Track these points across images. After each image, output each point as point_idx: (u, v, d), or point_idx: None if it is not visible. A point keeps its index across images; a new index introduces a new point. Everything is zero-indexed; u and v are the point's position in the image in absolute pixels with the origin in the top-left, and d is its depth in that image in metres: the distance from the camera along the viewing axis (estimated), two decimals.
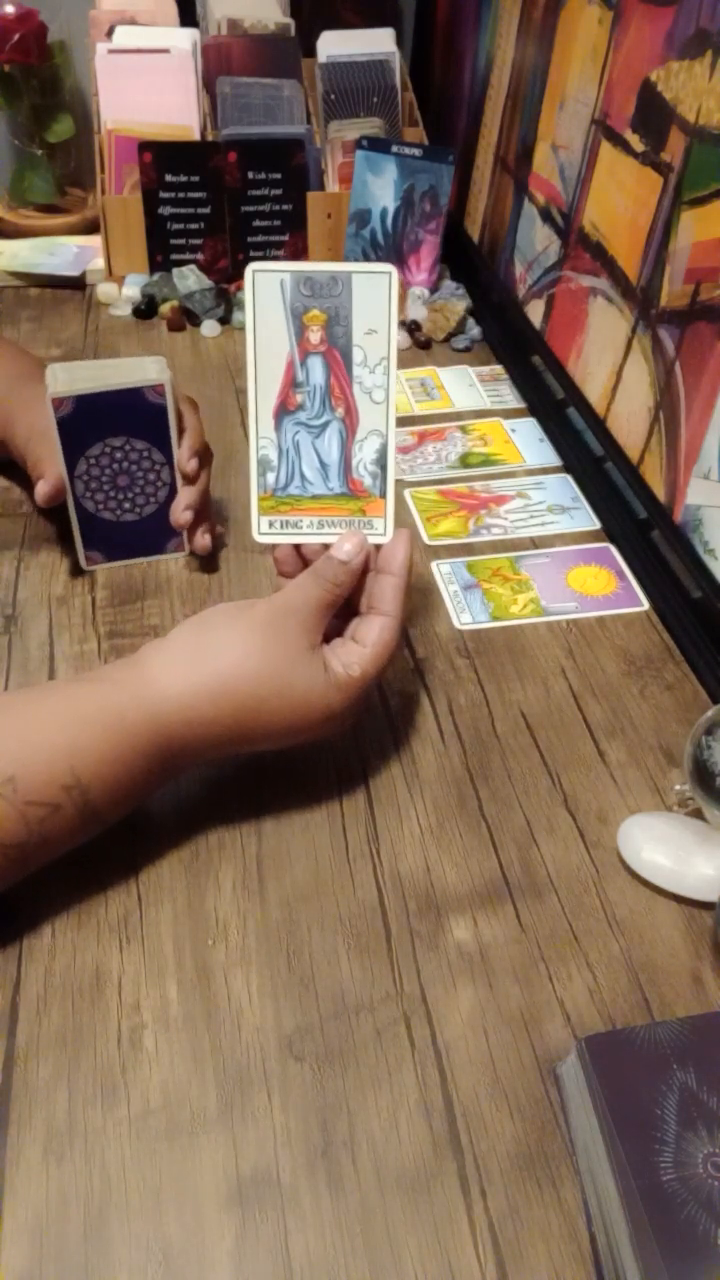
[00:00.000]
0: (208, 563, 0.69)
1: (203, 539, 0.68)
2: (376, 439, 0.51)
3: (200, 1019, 0.43)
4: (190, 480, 0.66)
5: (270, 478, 0.51)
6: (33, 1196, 0.38)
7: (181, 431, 0.65)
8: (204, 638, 0.48)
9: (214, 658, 0.47)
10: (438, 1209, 0.38)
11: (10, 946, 0.45)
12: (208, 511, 0.69)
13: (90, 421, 0.62)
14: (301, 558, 0.54)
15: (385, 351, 0.50)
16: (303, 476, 0.52)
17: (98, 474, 0.64)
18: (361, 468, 0.51)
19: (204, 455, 0.67)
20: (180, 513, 0.66)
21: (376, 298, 0.49)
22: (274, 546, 0.54)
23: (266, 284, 0.49)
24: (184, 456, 0.65)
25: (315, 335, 0.49)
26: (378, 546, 0.51)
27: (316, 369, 0.50)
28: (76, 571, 0.68)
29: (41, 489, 0.63)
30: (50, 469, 0.64)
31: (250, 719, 0.47)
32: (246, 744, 0.49)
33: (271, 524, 0.52)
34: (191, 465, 0.65)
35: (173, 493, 0.67)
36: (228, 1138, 0.39)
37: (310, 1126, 0.40)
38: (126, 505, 0.66)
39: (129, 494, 0.66)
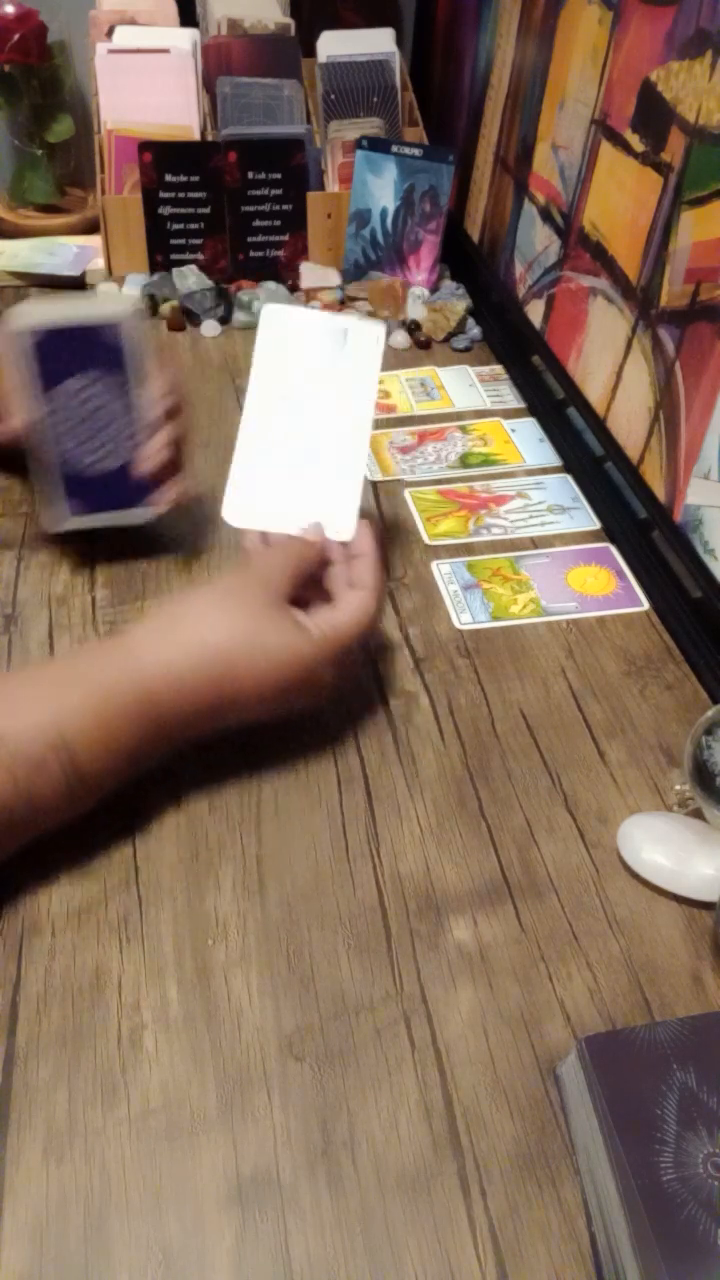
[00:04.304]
0: (207, 563, 0.69)
1: (167, 494, 0.64)
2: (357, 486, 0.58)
3: (200, 1019, 0.43)
4: (156, 428, 0.63)
5: (238, 476, 0.59)
6: (33, 1196, 0.38)
7: (153, 377, 0.62)
8: (178, 609, 0.51)
9: (189, 624, 0.50)
10: (438, 1209, 0.38)
11: (10, 946, 0.45)
12: (177, 465, 0.65)
13: (54, 359, 0.60)
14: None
15: (371, 396, 0.59)
16: (269, 500, 0.58)
17: (63, 416, 0.61)
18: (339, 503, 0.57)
19: (175, 406, 0.64)
20: (143, 462, 0.63)
21: (368, 352, 0.59)
22: (243, 535, 0.58)
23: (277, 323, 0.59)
24: (149, 401, 0.62)
25: None
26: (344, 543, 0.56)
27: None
28: (75, 568, 0.67)
29: (2, 429, 0.61)
30: (15, 408, 0.61)
31: (229, 676, 0.49)
32: (232, 707, 0.50)
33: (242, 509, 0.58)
34: (158, 410, 0.62)
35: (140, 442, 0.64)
36: (228, 1138, 0.39)
37: (310, 1126, 0.40)
38: (101, 452, 0.63)
39: (94, 442, 0.63)
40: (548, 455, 0.82)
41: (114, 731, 0.46)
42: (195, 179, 1.00)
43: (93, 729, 0.45)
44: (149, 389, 0.62)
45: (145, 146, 0.98)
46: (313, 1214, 0.37)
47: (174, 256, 1.03)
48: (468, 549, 0.71)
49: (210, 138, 1.04)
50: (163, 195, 1.00)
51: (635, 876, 0.49)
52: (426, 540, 0.72)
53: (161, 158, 0.98)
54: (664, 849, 0.49)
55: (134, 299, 0.61)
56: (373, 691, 0.59)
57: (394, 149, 0.99)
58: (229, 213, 1.02)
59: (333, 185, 1.05)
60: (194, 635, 0.49)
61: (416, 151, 0.99)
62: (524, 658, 0.62)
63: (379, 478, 0.79)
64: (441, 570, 0.69)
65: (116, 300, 0.61)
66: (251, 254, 1.04)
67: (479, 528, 0.74)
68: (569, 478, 0.79)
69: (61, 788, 0.45)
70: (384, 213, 1.02)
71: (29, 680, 0.48)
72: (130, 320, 0.60)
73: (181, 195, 1.00)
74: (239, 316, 1.00)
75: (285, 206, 1.02)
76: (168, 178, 0.99)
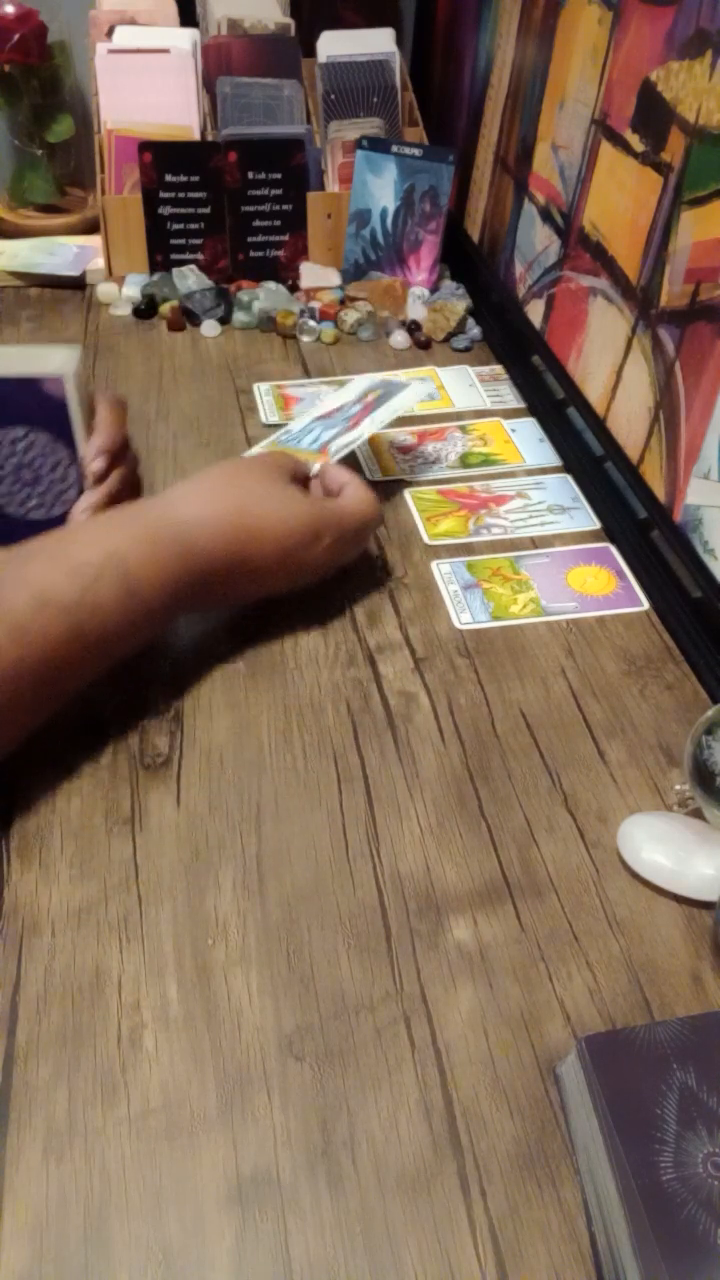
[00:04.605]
0: None
1: None
2: (351, 445, 0.72)
3: (200, 1019, 0.43)
4: (97, 481, 0.62)
5: (281, 434, 0.77)
6: (33, 1196, 0.38)
7: (94, 429, 0.62)
8: (204, 474, 0.61)
9: (213, 484, 0.59)
10: (438, 1209, 0.38)
11: (10, 946, 0.45)
12: None
13: None
14: None
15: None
16: (297, 440, 0.75)
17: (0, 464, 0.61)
18: (333, 447, 0.71)
19: (117, 455, 0.63)
20: (78, 512, 0.62)
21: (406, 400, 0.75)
22: None
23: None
24: (90, 454, 0.61)
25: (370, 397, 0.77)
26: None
27: (355, 408, 0.76)
28: None
29: None
30: None
31: (249, 525, 0.57)
32: (252, 553, 0.57)
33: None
34: (97, 465, 0.61)
35: (82, 494, 0.63)
36: (228, 1138, 0.39)
37: (310, 1126, 0.40)
38: (33, 502, 0.63)
39: (35, 490, 0.62)
40: (548, 455, 0.82)
41: (160, 560, 0.53)
42: (195, 179, 1.00)
43: (142, 553, 0.52)
44: (91, 443, 0.62)
45: (145, 146, 0.98)
46: (313, 1214, 0.37)
47: (174, 256, 1.03)
48: (468, 549, 0.71)
49: (210, 138, 1.04)
50: (163, 195, 1.00)
51: (635, 876, 0.49)
52: (426, 540, 0.72)
53: (161, 158, 0.99)
54: (664, 849, 0.49)
55: (72, 352, 0.60)
56: (373, 691, 0.59)
57: (394, 149, 0.99)
58: (229, 213, 1.02)
59: (333, 185, 1.05)
60: (219, 491, 0.58)
61: (416, 151, 0.99)
62: (524, 658, 0.62)
63: (379, 478, 0.79)
64: (441, 570, 0.69)
65: (53, 354, 0.60)
66: (251, 254, 1.04)
67: (479, 528, 0.74)
68: (569, 478, 0.79)
69: (121, 598, 0.51)
70: (384, 213, 1.02)
71: (88, 523, 0.58)
72: (59, 376, 0.59)
73: (181, 195, 1.00)
74: (239, 316, 1.00)
75: (285, 206, 1.02)
76: (168, 178, 0.99)
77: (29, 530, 0.61)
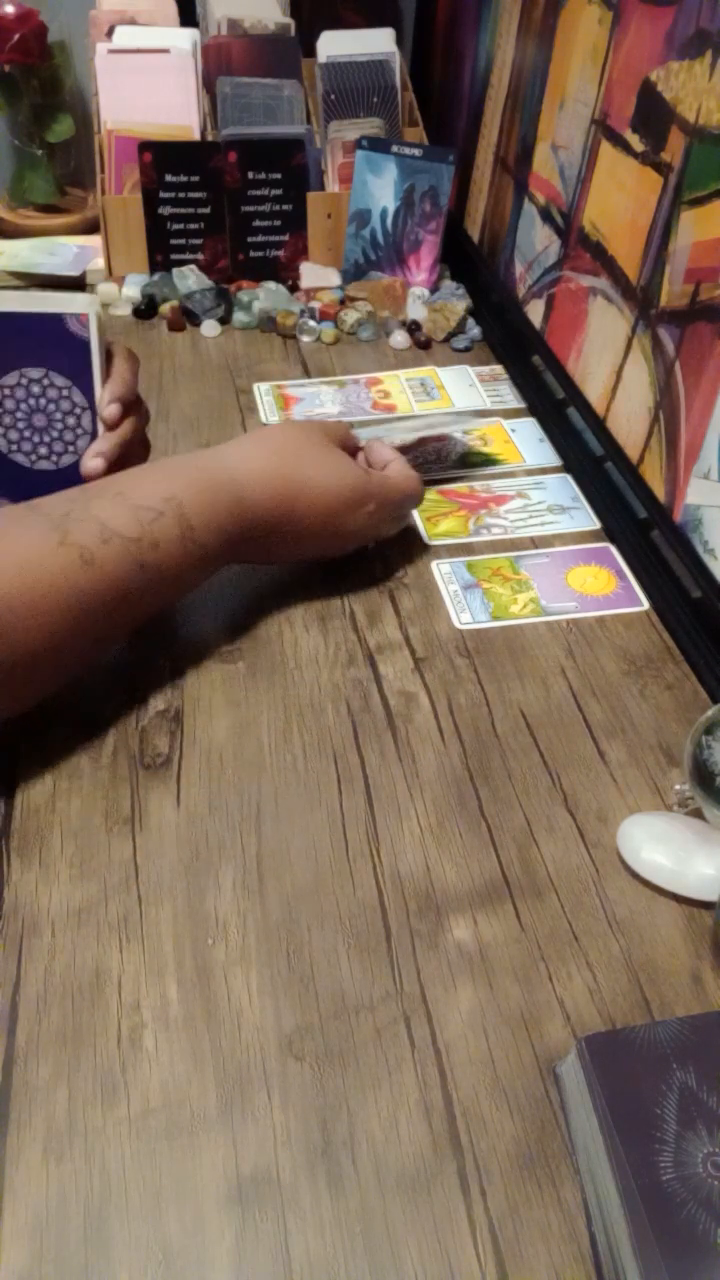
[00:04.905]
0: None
1: None
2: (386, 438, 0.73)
3: (200, 1019, 0.43)
4: (110, 427, 0.62)
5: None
6: (32, 1196, 0.38)
7: (109, 377, 0.62)
8: (259, 432, 0.64)
9: (267, 440, 0.62)
10: (438, 1209, 0.38)
11: (10, 946, 0.45)
12: (121, 468, 0.63)
13: (5, 346, 0.59)
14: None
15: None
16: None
17: (12, 408, 0.60)
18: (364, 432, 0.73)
19: (131, 406, 0.64)
20: (89, 459, 0.61)
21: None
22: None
23: None
24: (105, 399, 0.61)
25: None
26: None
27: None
28: None
29: None
30: None
31: (298, 475, 0.60)
32: (301, 502, 0.60)
33: None
34: (112, 410, 0.62)
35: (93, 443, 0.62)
36: (228, 1137, 0.39)
37: (310, 1126, 0.40)
38: (43, 450, 0.62)
39: (45, 437, 0.62)
40: (548, 455, 0.82)
41: (215, 506, 0.56)
42: (195, 179, 1.00)
43: (199, 499, 0.55)
44: (106, 389, 0.61)
45: (145, 146, 0.98)
46: (313, 1214, 0.37)
47: (174, 256, 1.03)
48: (468, 549, 0.71)
49: (210, 138, 1.04)
50: (163, 195, 1.00)
51: (635, 876, 0.49)
52: (426, 540, 0.72)
53: (161, 158, 0.99)
54: (664, 849, 0.49)
55: (94, 298, 0.60)
56: (373, 691, 0.59)
57: (394, 149, 0.99)
58: (229, 213, 1.02)
59: (333, 185, 1.05)
60: (272, 449, 0.61)
61: (416, 151, 0.99)
62: (524, 657, 0.62)
63: None
64: (441, 570, 0.69)
65: (77, 297, 0.60)
66: (251, 254, 1.04)
67: (479, 528, 0.74)
68: (569, 478, 0.79)
69: (178, 538, 0.54)
70: (384, 213, 1.02)
71: (146, 468, 0.60)
72: (85, 313, 0.59)
73: (181, 195, 1.00)
74: (239, 316, 1.00)
75: (285, 206, 1.02)
76: (168, 178, 0.99)
77: (33, 481, 0.62)
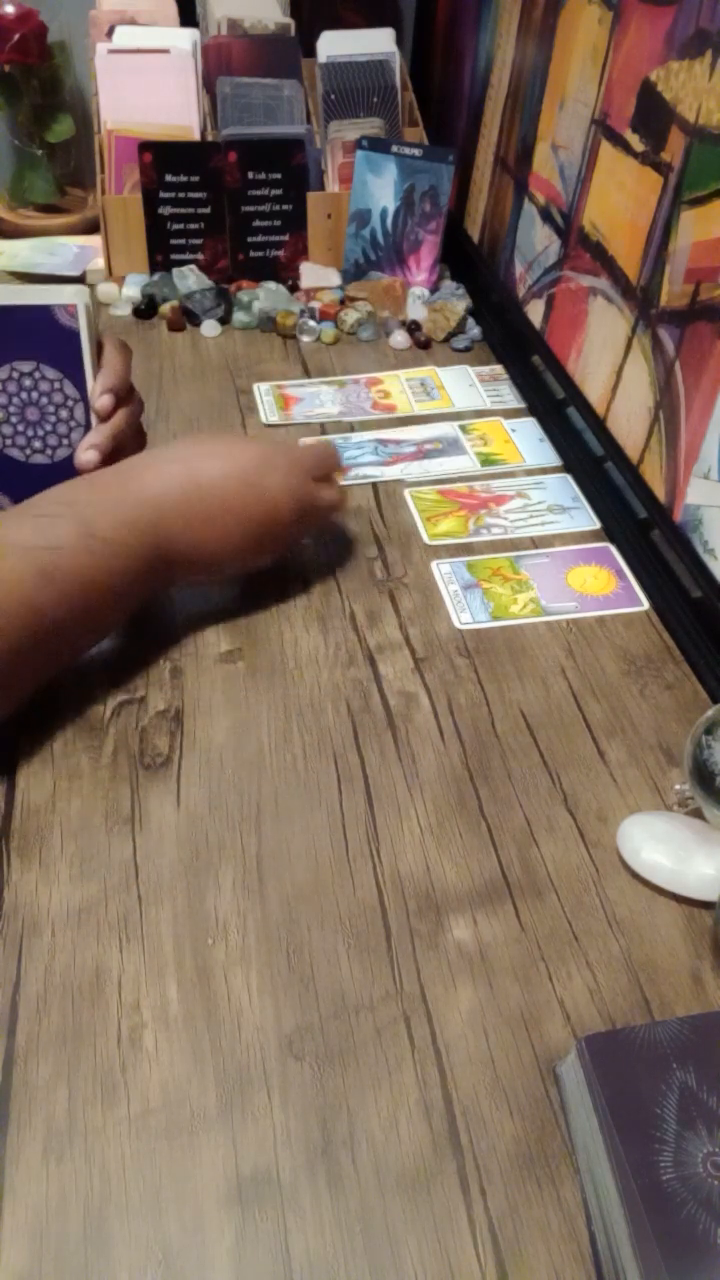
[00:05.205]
0: None
1: None
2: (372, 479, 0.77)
3: (200, 1018, 0.43)
4: (103, 419, 0.62)
5: (336, 437, 0.82)
6: (32, 1196, 0.38)
7: (100, 368, 0.61)
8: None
9: (164, 447, 0.62)
10: (438, 1208, 0.38)
11: (10, 946, 0.45)
12: (114, 460, 0.62)
13: None
14: None
15: None
16: (341, 448, 0.79)
17: (4, 402, 0.60)
18: (354, 471, 0.76)
19: (123, 397, 0.63)
20: (83, 451, 0.61)
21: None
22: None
23: None
24: (97, 390, 0.61)
25: None
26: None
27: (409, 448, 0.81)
28: None
29: None
30: None
31: (193, 453, 0.60)
32: (203, 471, 0.59)
33: None
34: (104, 401, 0.61)
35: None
36: (228, 1137, 0.39)
37: (310, 1126, 0.40)
38: (37, 444, 0.62)
39: (39, 430, 0.61)
40: (548, 455, 0.82)
41: (115, 497, 0.56)
42: (195, 179, 1.00)
43: (97, 494, 0.56)
44: (98, 380, 0.61)
45: (145, 146, 0.98)
46: (312, 1213, 0.37)
47: (174, 256, 1.03)
48: (468, 549, 0.71)
49: (210, 138, 1.04)
50: (163, 195, 1.00)
51: (635, 876, 0.49)
52: (426, 540, 0.72)
53: (161, 158, 0.99)
54: (664, 849, 0.49)
55: (83, 289, 0.60)
56: (373, 691, 0.59)
57: (394, 149, 0.99)
58: (229, 213, 1.02)
59: (333, 185, 1.05)
60: (169, 448, 0.61)
61: (416, 151, 0.99)
62: (524, 657, 0.62)
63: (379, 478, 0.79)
64: (441, 570, 0.69)
65: (66, 288, 0.60)
66: (251, 254, 1.04)
67: (479, 528, 0.74)
68: (569, 478, 0.79)
69: (78, 535, 0.53)
70: (384, 213, 1.02)
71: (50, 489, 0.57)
72: (74, 304, 0.59)
73: (181, 195, 1.00)
74: (239, 316, 1.00)
75: (285, 206, 1.02)
76: (168, 178, 0.99)
77: (29, 476, 0.62)
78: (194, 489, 0.58)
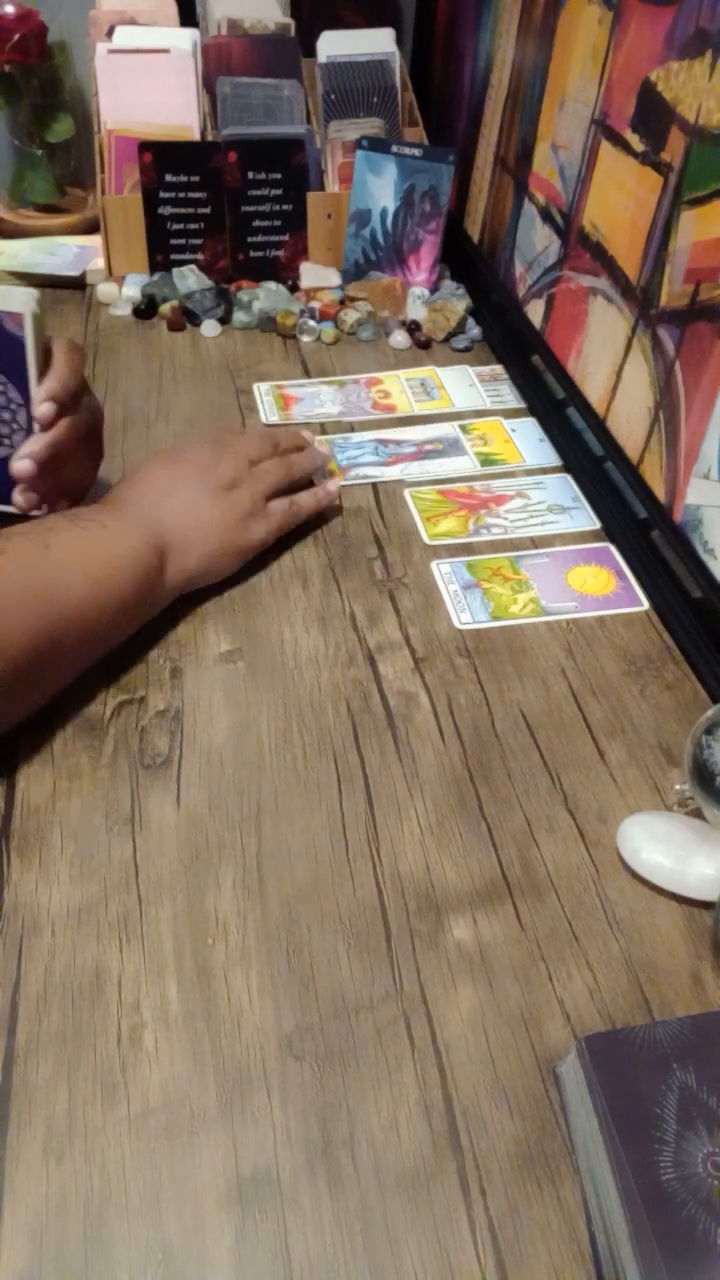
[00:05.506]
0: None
1: (27, 497, 0.61)
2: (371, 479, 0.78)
3: (200, 1018, 0.43)
4: (44, 427, 0.60)
5: (337, 437, 0.82)
6: (32, 1196, 0.38)
7: (46, 374, 0.60)
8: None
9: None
10: (438, 1208, 0.38)
11: (10, 946, 0.45)
12: (56, 469, 0.62)
13: None
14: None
15: None
16: (342, 448, 0.82)
17: None
18: (353, 472, 0.76)
19: (67, 404, 0.61)
20: (16, 460, 0.59)
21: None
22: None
23: None
24: (38, 398, 0.59)
25: None
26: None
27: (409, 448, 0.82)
28: None
29: None
30: None
31: (168, 453, 0.65)
32: (177, 453, 0.65)
33: None
34: (44, 409, 0.59)
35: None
36: (228, 1137, 0.39)
37: (310, 1126, 0.40)
38: None
39: None
40: (548, 455, 0.82)
41: (105, 497, 0.63)
42: (195, 179, 1.00)
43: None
44: (41, 386, 0.60)
45: (145, 146, 0.98)
46: (312, 1213, 0.37)
47: (174, 256, 1.03)
48: (468, 549, 0.71)
49: (210, 138, 1.04)
50: (163, 195, 1.00)
51: (635, 876, 0.49)
52: (426, 540, 0.72)
53: (161, 158, 0.98)
54: (664, 849, 0.49)
55: (33, 294, 0.59)
56: (373, 691, 0.59)
57: (394, 149, 0.99)
58: (229, 213, 1.02)
59: (333, 185, 1.05)
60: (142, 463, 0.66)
61: (416, 151, 0.99)
62: (524, 657, 0.62)
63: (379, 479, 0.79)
64: (441, 570, 0.69)
65: (14, 293, 0.59)
66: (251, 254, 1.04)
67: (479, 528, 0.74)
68: (569, 478, 0.79)
69: (69, 522, 0.56)
70: (384, 213, 1.02)
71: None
72: (20, 313, 0.58)
73: (181, 195, 1.00)
74: (239, 316, 1.00)
75: (285, 206, 1.02)
76: (168, 178, 0.99)
77: None
78: (170, 459, 0.65)
